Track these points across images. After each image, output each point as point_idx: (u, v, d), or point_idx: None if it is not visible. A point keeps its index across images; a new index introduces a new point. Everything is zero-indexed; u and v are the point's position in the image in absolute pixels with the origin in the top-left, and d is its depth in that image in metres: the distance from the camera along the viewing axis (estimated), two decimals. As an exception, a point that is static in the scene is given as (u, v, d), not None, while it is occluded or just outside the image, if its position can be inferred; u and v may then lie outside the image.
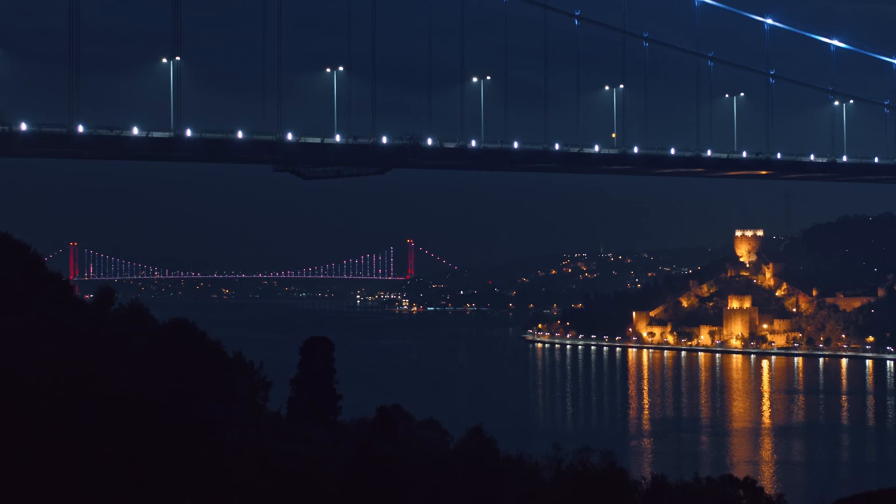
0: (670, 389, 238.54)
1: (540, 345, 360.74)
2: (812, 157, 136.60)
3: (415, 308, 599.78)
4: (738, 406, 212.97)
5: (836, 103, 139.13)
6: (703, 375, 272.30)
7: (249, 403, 68.48)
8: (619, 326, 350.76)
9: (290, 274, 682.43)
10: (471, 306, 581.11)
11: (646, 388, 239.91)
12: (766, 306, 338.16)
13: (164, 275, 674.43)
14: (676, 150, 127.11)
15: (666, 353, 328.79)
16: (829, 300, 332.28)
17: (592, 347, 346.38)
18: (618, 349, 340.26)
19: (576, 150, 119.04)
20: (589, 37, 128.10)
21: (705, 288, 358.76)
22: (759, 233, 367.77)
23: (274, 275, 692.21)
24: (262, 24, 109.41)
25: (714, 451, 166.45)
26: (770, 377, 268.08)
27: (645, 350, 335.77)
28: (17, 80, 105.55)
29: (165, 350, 62.48)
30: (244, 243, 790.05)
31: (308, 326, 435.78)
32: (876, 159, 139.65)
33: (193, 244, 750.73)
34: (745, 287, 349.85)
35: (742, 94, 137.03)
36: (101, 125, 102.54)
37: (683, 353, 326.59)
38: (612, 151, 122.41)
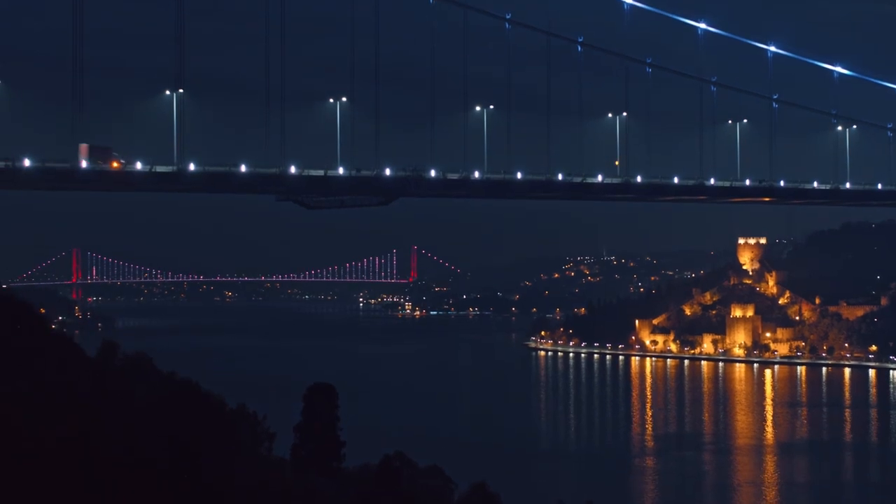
0: (673, 403, 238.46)
1: (543, 353, 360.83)
2: (815, 184, 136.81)
3: (417, 312, 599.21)
4: (741, 421, 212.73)
5: (840, 128, 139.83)
6: (706, 386, 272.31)
7: (253, 455, 68.71)
8: (622, 334, 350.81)
9: (293, 277, 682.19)
10: (474, 310, 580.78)
11: (649, 401, 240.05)
12: (769, 314, 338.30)
13: (166, 278, 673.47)
14: (679, 178, 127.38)
15: (669, 361, 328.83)
16: (831, 308, 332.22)
17: (595, 356, 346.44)
18: (621, 357, 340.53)
19: (579, 179, 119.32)
20: (592, 62, 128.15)
21: (708, 296, 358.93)
22: (762, 241, 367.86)
23: (277, 278, 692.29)
24: (265, 53, 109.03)
25: (717, 471, 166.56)
26: (773, 389, 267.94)
27: (648, 358, 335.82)
28: (19, 111, 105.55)
29: (170, 412, 62.71)
30: (247, 246, 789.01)
31: (312, 333, 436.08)
32: (879, 185, 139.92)
33: (196, 247, 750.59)
34: (747, 295, 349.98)
35: (745, 121, 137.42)
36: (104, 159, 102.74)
37: (686, 362, 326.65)
38: (616, 181, 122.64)
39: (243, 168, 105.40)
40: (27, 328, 66.85)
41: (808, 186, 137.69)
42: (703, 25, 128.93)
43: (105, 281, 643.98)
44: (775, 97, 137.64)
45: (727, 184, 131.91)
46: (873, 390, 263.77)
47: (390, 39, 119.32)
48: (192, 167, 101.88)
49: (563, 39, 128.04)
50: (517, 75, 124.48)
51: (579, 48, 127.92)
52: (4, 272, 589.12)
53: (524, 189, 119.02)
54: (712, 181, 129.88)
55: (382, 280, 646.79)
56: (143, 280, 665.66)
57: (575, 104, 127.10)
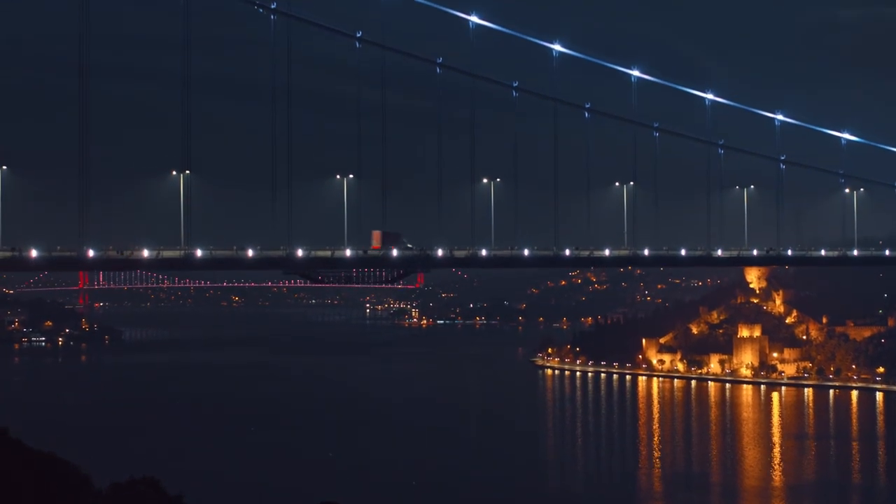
0: (680, 434, 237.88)
1: (550, 371, 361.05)
2: (823, 252, 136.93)
3: (424, 321, 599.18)
4: (749, 457, 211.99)
5: (847, 191, 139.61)
6: (714, 413, 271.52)
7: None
8: (630, 353, 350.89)
9: (300, 283, 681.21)
10: (480, 320, 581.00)
11: (656, 433, 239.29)
12: (776, 333, 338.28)
13: (173, 283, 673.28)
14: (687, 249, 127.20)
15: (676, 382, 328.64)
16: (838, 329, 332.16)
17: (602, 375, 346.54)
18: (628, 377, 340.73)
19: (586, 254, 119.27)
20: (598, 127, 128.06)
21: (715, 315, 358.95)
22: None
23: (283, 283, 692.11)
24: (271, 138, 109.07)
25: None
26: (780, 417, 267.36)
27: (655, 378, 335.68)
28: (25, 197, 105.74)
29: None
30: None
31: (315, 347, 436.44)
32: (887, 251, 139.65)
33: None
34: (754, 314, 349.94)
35: (752, 186, 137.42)
36: (112, 246, 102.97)
37: (693, 383, 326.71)
38: (623, 254, 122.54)
39: (250, 253, 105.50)
40: (31, 464, 67.08)
41: (815, 254, 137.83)
42: (710, 96, 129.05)
43: (112, 286, 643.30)
44: (782, 158, 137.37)
45: (734, 253, 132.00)
46: (881, 418, 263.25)
47: (396, 111, 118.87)
48: (198, 253, 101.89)
49: (570, 106, 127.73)
50: (523, 143, 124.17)
51: (586, 114, 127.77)
52: (11, 278, 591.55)
53: (532, 263, 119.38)
54: (719, 252, 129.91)
55: (389, 286, 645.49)
56: (149, 286, 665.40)
57: (582, 172, 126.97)
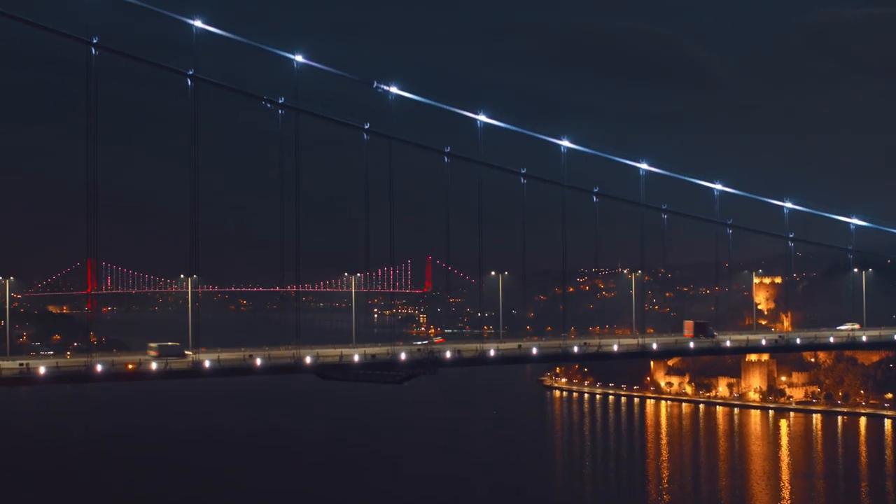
0: (688, 471, 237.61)
1: (557, 392, 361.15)
2: (831, 339, 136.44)
3: (432, 330, 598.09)
4: (759, 499, 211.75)
5: (856, 270, 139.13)
6: (722, 445, 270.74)
7: None
8: (638, 375, 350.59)
9: (308, 287, 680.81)
10: (489, 329, 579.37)
11: (664, 471, 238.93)
12: (785, 356, 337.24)
13: (181, 287, 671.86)
14: (696, 342, 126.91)
15: (684, 406, 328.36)
16: (847, 353, 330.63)
17: (610, 397, 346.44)
18: (636, 399, 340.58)
19: (595, 349, 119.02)
20: (607, 213, 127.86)
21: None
22: (777, 280, 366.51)
23: (290, 288, 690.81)
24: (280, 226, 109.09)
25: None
26: (789, 450, 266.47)
27: (663, 402, 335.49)
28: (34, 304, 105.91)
29: None
30: (259, 254, 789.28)
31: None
32: (895, 336, 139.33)
33: (209, 256, 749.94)
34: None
35: (760, 270, 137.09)
36: (119, 360, 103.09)
37: (701, 407, 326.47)
38: (632, 348, 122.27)
39: (258, 361, 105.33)
40: None
41: (824, 341, 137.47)
42: (719, 186, 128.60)
43: (120, 291, 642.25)
44: (791, 235, 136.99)
45: (743, 341, 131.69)
46: (888, 451, 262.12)
47: (405, 202, 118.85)
48: (206, 364, 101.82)
49: (579, 190, 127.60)
50: (533, 232, 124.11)
51: (594, 199, 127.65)
52: (19, 282, 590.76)
53: (540, 360, 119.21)
54: (728, 343, 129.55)
55: (397, 290, 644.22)
56: (157, 290, 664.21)
57: (590, 257, 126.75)
